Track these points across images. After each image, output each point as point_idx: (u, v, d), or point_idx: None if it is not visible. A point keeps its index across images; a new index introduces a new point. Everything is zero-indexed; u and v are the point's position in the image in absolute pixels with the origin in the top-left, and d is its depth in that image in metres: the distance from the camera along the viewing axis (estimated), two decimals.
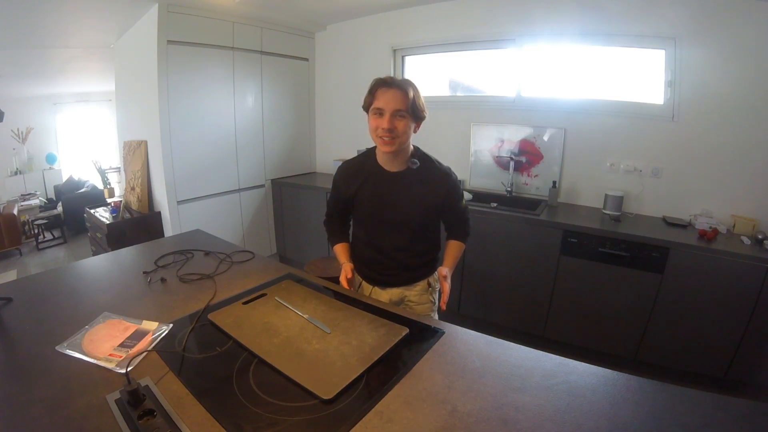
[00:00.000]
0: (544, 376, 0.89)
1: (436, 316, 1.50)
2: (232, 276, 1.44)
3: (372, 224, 1.38)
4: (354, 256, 1.49)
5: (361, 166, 1.36)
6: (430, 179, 1.31)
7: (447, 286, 1.28)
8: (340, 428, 0.74)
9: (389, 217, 1.33)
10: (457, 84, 3.26)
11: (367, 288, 1.46)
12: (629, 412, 0.79)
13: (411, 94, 1.20)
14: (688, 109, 2.28)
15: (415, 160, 1.30)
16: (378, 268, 1.42)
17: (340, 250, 1.48)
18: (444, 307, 1.29)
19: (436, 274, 1.48)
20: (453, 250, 1.45)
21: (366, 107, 1.27)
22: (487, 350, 1.00)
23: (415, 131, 1.28)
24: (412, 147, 1.33)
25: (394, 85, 1.20)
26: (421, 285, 1.44)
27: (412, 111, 1.21)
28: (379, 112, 1.21)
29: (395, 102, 1.19)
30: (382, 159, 1.32)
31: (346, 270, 1.38)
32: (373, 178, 1.33)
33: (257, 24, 3.20)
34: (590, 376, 0.89)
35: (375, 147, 1.34)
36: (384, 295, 1.43)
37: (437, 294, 1.50)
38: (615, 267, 2.14)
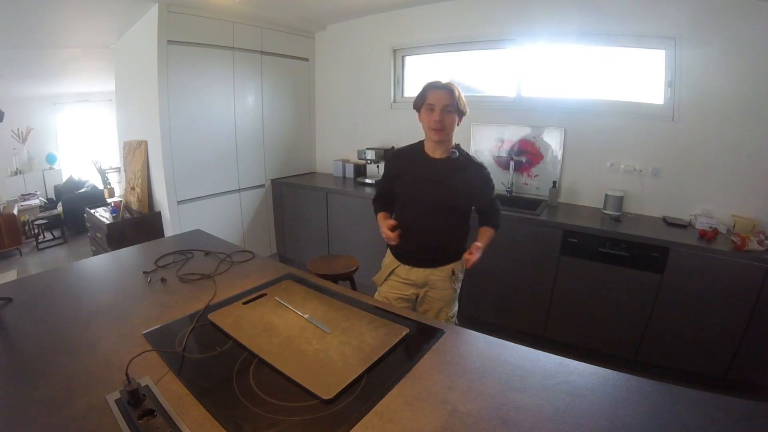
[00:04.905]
0: (544, 376, 0.89)
1: (456, 319, 1.60)
2: (232, 276, 1.44)
3: (409, 203, 1.53)
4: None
5: (410, 151, 1.57)
6: (467, 168, 1.50)
7: (477, 255, 1.39)
8: (340, 428, 0.74)
9: (426, 196, 1.48)
10: (457, 84, 3.24)
11: (393, 263, 1.57)
12: (629, 412, 0.79)
13: (456, 93, 1.44)
14: (688, 109, 2.28)
15: (455, 150, 1.51)
16: (408, 246, 1.52)
17: (381, 216, 1.62)
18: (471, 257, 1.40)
19: (461, 264, 1.55)
20: (486, 232, 1.57)
21: (417, 106, 1.50)
22: (487, 350, 1.00)
23: (458, 124, 1.48)
24: (453, 142, 1.53)
25: (442, 86, 1.45)
26: (446, 271, 1.53)
27: (457, 107, 1.43)
28: (431, 108, 1.44)
29: (444, 99, 1.42)
30: (428, 147, 1.53)
31: (386, 228, 1.45)
32: (417, 161, 1.53)
33: (257, 24, 3.20)
34: (590, 376, 0.89)
35: (424, 139, 1.55)
36: (410, 274, 1.54)
37: (460, 283, 1.60)
38: (615, 267, 2.14)
